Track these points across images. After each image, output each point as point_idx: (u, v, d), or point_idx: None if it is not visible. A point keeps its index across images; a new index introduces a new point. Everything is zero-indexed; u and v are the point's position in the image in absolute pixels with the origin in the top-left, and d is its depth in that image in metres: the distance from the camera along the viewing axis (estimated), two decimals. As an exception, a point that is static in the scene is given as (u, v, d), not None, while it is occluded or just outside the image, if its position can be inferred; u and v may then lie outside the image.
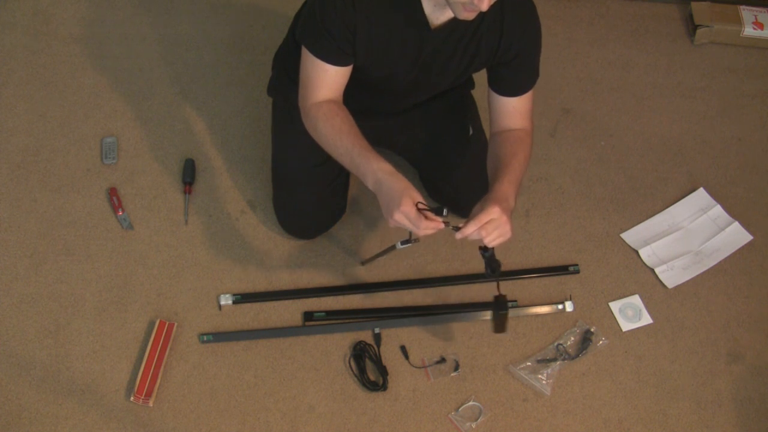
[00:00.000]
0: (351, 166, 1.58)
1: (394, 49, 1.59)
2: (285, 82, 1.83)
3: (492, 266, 1.62)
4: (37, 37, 2.29)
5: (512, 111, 1.71)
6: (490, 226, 1.52)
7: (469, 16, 1.43)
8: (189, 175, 2.05)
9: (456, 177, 1.93)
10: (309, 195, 1.89)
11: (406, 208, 1.47)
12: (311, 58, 1.57)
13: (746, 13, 2.46)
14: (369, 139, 1.99)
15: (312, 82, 1.60)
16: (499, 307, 1.72)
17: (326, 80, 1.60)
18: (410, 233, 1.57)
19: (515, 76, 1.67)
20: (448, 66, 1.64)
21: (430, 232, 1.51)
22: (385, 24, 1.54)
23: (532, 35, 1.63)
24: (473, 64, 1.65)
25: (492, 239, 1.53)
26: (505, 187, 1.59)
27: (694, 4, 2.48)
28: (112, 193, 2.01)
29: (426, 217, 1.49)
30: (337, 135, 1.58)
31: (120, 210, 1.99)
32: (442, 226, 1.51)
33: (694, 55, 2.44)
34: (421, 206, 1.49)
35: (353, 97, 1.72)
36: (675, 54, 2.44)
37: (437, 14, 1.52)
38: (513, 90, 1.69)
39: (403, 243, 1.72)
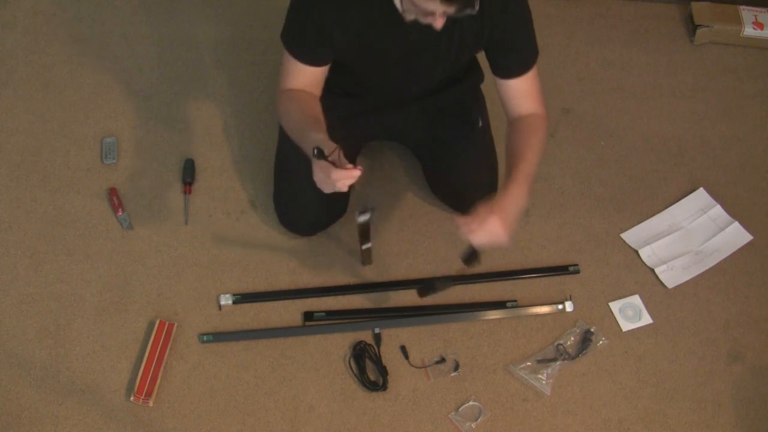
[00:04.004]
0: (299, 142, 1.60)
1: (375, 46, 1.60)
2: None
3: (469, 258, 1.66)
4: (37, 37, 2.29)
5: (517, 94, 1.69)
6: (481, 234, 1.54)
7: (437, 24, 1.43)
8: (189, 175, 2.05)
9: (460, 171, 1.92)
10: (310, 190, 1.89)
11: (316, 162, 1.48)
12: (288, 56, 1.62)
13: (746, 13, 2.46)
14: (376, 132, 2.00)
15: (288, 74, 1.66)
16: (436, 286, 1.75)
17: (300, 76, 1.65)
18: (365, 205, 1.62)
19: (509, 56, 1.66)
20: (435, 56, 1.64)
21: (347, 181, 1.48)
22: (363, 22, 1.56)
23: (516, 11, 1.61)
24: (463, 52, 1.66)
25: (479, 241, 1.56)
26: (516, 189, 1.59)
27: (694, 4, 2.48)
28: (112, 193, 2.01)
29: (337, 166, 1.48)
30: (294, 110, 1.62)
31: (120, 210, 1.99)
32: (357, 172, 1.48)
33: (694, 55, 2.44)
34: (334, 158, 1.48)
35: (356, 94, 1.73)
36: (675, 54, 2.44)
37: (422, 18, 1.51)
38: (511, 71, 1.67)
39: (361, 214, 1.72)
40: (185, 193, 2.03)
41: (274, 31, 1.67)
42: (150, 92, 2.21)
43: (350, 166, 1.48)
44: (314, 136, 1.54)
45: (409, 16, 1.46)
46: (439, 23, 1.41)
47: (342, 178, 1.47)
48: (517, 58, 1.67)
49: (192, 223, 2.00)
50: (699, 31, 2.43)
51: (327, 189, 1.52)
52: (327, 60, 1.64)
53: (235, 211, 2.03)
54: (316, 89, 1.68)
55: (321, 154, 1.47)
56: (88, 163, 2.07)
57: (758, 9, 2.47)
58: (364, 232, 1.79)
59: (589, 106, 2.31)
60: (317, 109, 1.63)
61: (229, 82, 2.25)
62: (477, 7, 1.37)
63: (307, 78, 1.65)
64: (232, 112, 2.19)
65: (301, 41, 1.60)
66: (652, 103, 2.33)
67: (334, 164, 1.48)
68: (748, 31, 2.43)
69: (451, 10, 1.36)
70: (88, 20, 2.34)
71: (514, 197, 1.59)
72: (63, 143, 2.10)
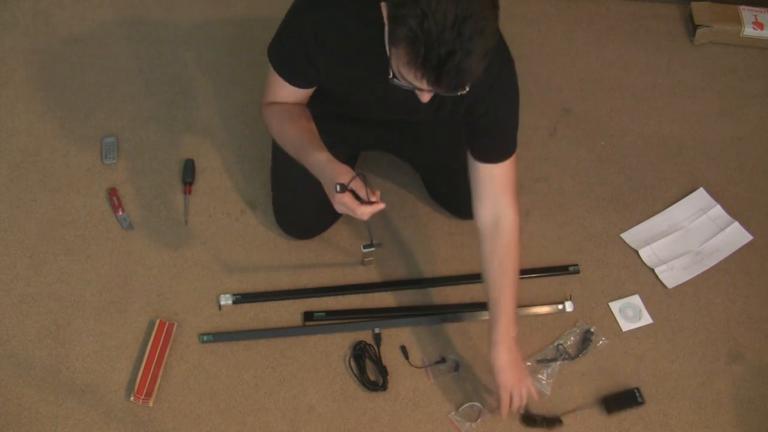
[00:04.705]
0: (298, 156, 1.59)
1: (360, 89, 1.58)
2: None
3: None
4: (37, 37, 2.29)
5: (489, 182, 1.63)
6: (519, 398, 1.68)
7: (423, 98, 1.38)
8: (189, 175, 2.05)
9: (458, 181, 1.92)
10: (308, 195, 1.89)
11: (339, 197, 1.47)
12: (273, 72, 1.59)
13: (746, 13, 2.46)
14: (369, 144, 1.99)
15: (272, 90, 1.63)
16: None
17: (287, 94, 1.63)
18: (371, 236, 1.62)
19: (487, 138, 1.60)
20: (417, 108, 1.56)
21: (368, 214, 1.48)
22: (348, 66, 1.52)
23: (503, 92, 1.54)
24: (441, 113, 1.60)
25: (524, 399, 1.68)
26: (505, 328, 1.67)
27: (694, 4, 2.48)
28: (112, 193, 2.01)
29: (362, 201, 1.48)
30: (287, 124, 1.61)
31: (120, 210, 1.99)
32: (381, 206, 1.49)
33: (694, 55, 2.44)
34: (355, 186, 1.48)
35: (346, 109, 1.72)
36: (675, 54, 2.44)
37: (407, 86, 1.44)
38: (486, 154, 1.60)
39: (365, 247, 1.73)
40: (185, 193, 2.03)
41: (274, 31, 1.67)
42: (150, 92, 2.21)
43: (375, 198, 1.47)
44: (318, 156, 1.52)
45: (398, 82, 1.39)
46: (425, 98, 1.37)
47: (368, 212, 1.47)
48: (495, 142, 1.60)
49: (192, 223, 2.00)
50: (699, 31, 2.43)
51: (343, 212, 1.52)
52: (312, 85, 1.61)
53: (235, 211, 2.03)
54: (301, 103, 1.66)
55: (343, 189, 1.47)
56: (88, 163, 2.07)
57: (758, 9, 2.47)
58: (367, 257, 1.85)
59: (589, 106, 2.31)
60: (309, 122, 1.62)
61: (229, 82, 2.25)
62: (467, 89, 1.30)
63: (291, 96, 1.63)
64: (232, 112, 2.19)
65: (289, 62, 1.57)
66: (652, 103, 2.33)
67: (357, 196, 1.47)
68: (748, 31, 2.43)
69: (440, 91, 1.30)
70: (88, 20, 2.34)
71: (506, 341, 1.67)
72: (63, 143, 2.10)
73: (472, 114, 1.57)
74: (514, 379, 1.66)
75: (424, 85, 1.29)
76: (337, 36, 1.47)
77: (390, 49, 1.31)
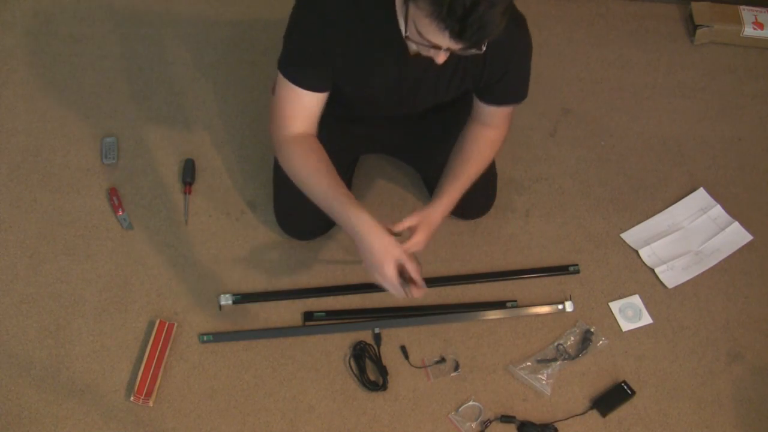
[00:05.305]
0: (326, 208, 1.57)
1: (374, 76, 1.57)
2: None
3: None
4: (37, 37, 2.29)
5: (489, 114, 1.69)
6: (408, 245, 1.59)
7: (438, 59, 1.38)
8: (189, 175, 2.05)
9: None
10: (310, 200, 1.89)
11: (387, 273, 1.49)
12: (287, 85, 1.55)
13: (746, 13, 2.46)
14: (371, 147, 1.99)
15: (286, 111, 1.58)
16: None
17: (301, 109, 1.57)
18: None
19: (500, 91, 1.65)
20: (432, 91, 1.61)
21: (417, 295, 1.54)
22: (363, 51, 1.51)
23: (523, 56, 1.59)
24: (459, 89, 1.63)
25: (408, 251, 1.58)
26: (447, 202, 1.64)
27: (694, 4, 2.48)
28: (112, 193, 2.01)
29: (410, 282, 1.52)
30: (314, 174, 1.57)
31: (120, 210, 1.99)
32: (425, 290, 1.53)
33: (694, 55, 2.44)
34: (406, 267, 1.51)
35: (347, 109, 1.71)
36: (675, 54, 2.44)
37: (424, 51, 1.45)
38: (493, 101, 1.67)
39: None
40: (185, 193, 2.03)
41: (274, 31, 1.67)
42: (150, 92, 2.21)
43: (420, 283, 1.53)
44: (352, 213, 1.50)
45: (412, 46, 1.42)
46: (441, 58, 1.37)
47: (416, 295, 1.53)
48: (505, 94, 1.66)
49: (192, 223, 2.00)
50: (699, 31, 2.43)
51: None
52: (327, 85, 1.57)
53: (235, 211, 2.03)
54: (314, 125, 1.61)
55: (406, 283, 1.51)
56: (88, 163, 2.07)
57: (758, 9, 2.47)
58: None
59: (589, 106, 2.31)
60: (329, 164, 1.58)
61: (229, 82, 2.25)
62: (484, 49, 1.32)
63: (310, 111, 1.58)
64: (232, 112, 2.19)
65: (303, 65, 1.53)
66: (652, 103, 2.33)
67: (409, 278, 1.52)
68: (748, 31, 2.43)
69: (458, 47, 1.30)
70: (88, 20, 2.34)
71: (443, 212, 1.64)
72: (63, 143, 2.10)
73: (492, 79, 1.59)
74: (425, 241, 1.61)
75: (445, 39, 1.28)
76: (346, 23, 1.47)
77: (407, 6, 1.31)
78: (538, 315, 1.92)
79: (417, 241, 1.59)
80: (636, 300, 1.95)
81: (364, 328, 1.87)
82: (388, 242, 1.50)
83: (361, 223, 1.50)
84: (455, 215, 2.02)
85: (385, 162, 2.10)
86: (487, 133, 1.72)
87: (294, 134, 1.59)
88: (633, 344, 1.90)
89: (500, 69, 1.57)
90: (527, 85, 1.67)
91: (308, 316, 1.88)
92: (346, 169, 1.94)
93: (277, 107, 1.59)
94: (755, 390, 1.85)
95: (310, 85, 1.55)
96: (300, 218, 1.93)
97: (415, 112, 1.76)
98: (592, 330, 1.90)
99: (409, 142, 1.93)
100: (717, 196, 2.13)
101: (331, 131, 1.70)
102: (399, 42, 1.45)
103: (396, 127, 1.88)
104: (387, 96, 1.63)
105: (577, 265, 2.00)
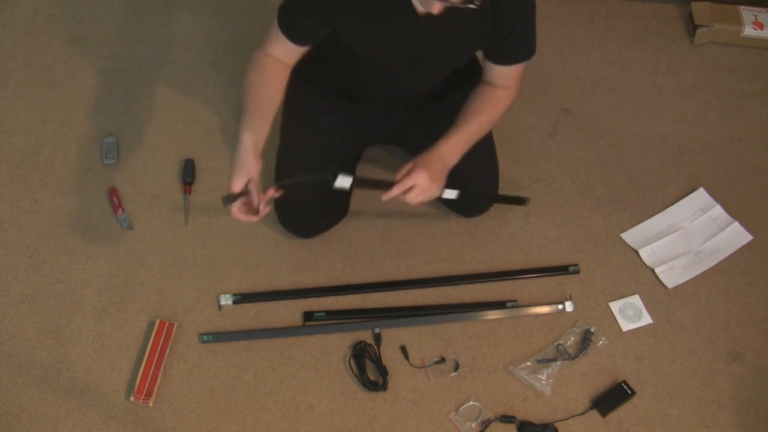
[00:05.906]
0: (241, 116, 1.64)
1: (382, 36, 1.61)
2: (297, 80, 1.83)
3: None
4: (37, 37, 2.29)
5: (500, 74, 1.74)
6: (414, 193, 1.62)
7: (434, 9, 1.44)
8: (189, 175, 2.05)
9: (461, 175, 1.92)
10: (312, 195, 1.89)
11: (232, 182, 1.57)
12: (276, 27, 1.64)
13: (746, 13, 2.46)
14: (376, 137, 2.00)
15: (271, 41, 1.67)
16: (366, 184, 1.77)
17: (282, 49, 1.66)
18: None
19: (509, 50, 1.69)
20: (443, 50, 1.66)
21: (239, 217, 1.61)
22: (372, 11, 1.56)
23: (526, 10, 1.64)
24: (470, 46, 1.68)
25: (415, 201, 1.63)
26: (449, 146, 1.68)
27: (694, 4, 2.48)
28: (112, 193, 2.01)
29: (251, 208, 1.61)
30: (254, 85, 1.65)
31: (120, 210, 1.99)
32: (246, 218, 1.61)
33: (694, 55, 2.44)
34: (251, 189, 1.59)
35: (357, 95, 1.72)
36: (675, 54, 2.44)
37: (423, 2, 1.53)
38: (504, 60, 1.71)
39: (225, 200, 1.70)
40: (185, 193, 2.03)
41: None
42: (150, 92, 2.21)
43: (255, 211, 1.61)
44: (245, 136, 1.57)
45: (419, 6, 1.49)
46: (436, 8, 1.43)
47: (239, 216, 1.61)
48: (514, 52, 1.70)
49: (192, 223, 2.00)
50: (699, 31, 2.43)
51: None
52: (314, 40, 1.65)
53: (235, 211, 2.03)
54: (292, 59, 1.70)
55: (231, 200, 1.58)
56: (88, 163, 2.07)
57: (758, 9, 2.47)
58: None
59: (589, 106, 2.31)
60: (277, 93, 1.66)
61: (229, 82, 2.25)
62: (479, 3, 1.38)
63: (289, 54, 1.68)
64: (232, 112, 2.19)
65: (293, 21, 1.62)
66: (652, 103, 2.33)
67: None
68: (748, 31, 2.43)
69: None
70: (88, 20, 2.34)
71: (442, 153, 1.66)
72: (63, 143, 2.10)
73: (500, 35, 1.63)
74: (426, 178, 1.63)
75: None
76: None
77: None
78: (538, 315, 1.92)
79: (415, 177, 1.62)
80: (636, 300, 1.95)
81: (364, 328, 1.87)
82: (247, 161, 1.57)
83: (242, 140, 1.58)
84: (458, 212, 2.02)
85: (386, 161, 2.10)
86: (499, 92, 1.76)
87: (267, 54, 1.68)
88: (633, 344, 1.90)
89: (507, 24, 1.61)
90: (534, 41, 1.70)
91: (308, 316, 1.88)
92: (350, 164, 1.94)
93: (268, 32, 1.68)
94: (755, 390, 1.85)
95: (294, 39, 1.63)
96: (301, 216, 1.93)
97: (427, 81, 1.79)
98: (592, 330, 1.90)
99: (414, 129, 1.93)
100: (717, 196, 2.13)
101: (340, 121, 1.70)
102: (407, 2, 1.52)
103: (401, 113, 1.89)
104: (395, 54, 1.66)
105: (577, 265, 2.00)
